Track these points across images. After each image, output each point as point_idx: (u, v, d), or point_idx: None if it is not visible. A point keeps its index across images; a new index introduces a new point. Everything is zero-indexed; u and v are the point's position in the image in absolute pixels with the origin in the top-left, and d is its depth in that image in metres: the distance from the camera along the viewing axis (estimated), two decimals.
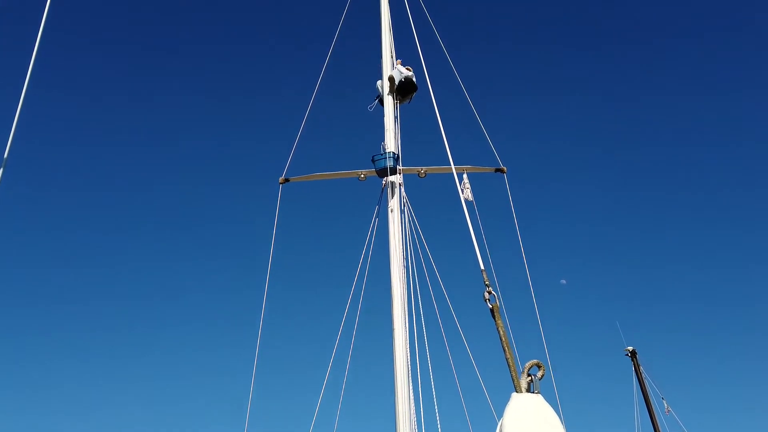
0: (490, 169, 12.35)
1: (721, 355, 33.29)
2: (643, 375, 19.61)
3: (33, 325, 32.77)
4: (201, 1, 41.85)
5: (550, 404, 5.67)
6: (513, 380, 5.58)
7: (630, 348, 20.13)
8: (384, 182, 11.61)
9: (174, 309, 35.21)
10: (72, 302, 33.98)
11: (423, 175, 11.86)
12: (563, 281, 32.53)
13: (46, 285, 34.38)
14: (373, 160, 11.45)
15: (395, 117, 12.12)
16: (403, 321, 10.20)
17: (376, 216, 11.48)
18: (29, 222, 35.40)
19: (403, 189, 11.58)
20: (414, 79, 12.25)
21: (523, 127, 40.65)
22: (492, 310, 5.93)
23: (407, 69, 12.46)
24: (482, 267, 6.47)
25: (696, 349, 33.79)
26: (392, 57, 12.65)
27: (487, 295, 6.07)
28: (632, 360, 19.94)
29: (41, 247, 35.34)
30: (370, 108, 12.45)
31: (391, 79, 12.26)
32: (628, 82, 42.55)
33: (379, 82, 12.52)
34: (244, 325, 30.01)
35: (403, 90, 12.25)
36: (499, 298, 6.01)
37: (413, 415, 9.54)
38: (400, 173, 11.60)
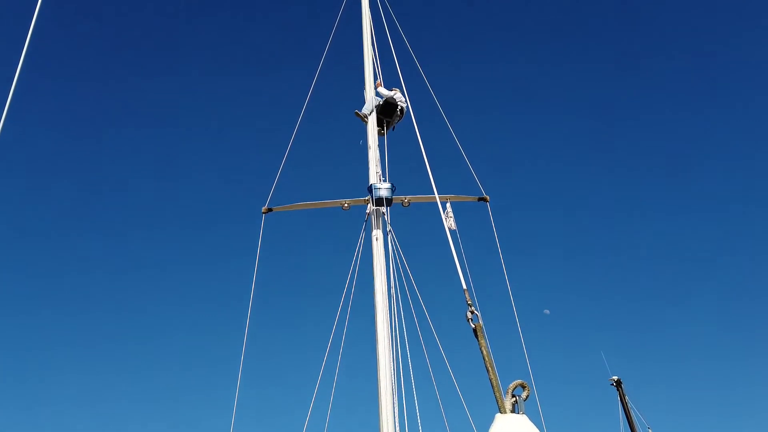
0: (473, 198, 12.40)
1: (707, 383, 33.36)
2: (628, 404, 19.62)
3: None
4: (185, 27, 42.14)
5: (535, 425, 5.66)
6: (497, 401, 5.57)
7: (615, 378, 20.17)
8: (368, 211, 11.63)
9: (154, 340, 34.86)
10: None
11: (406, 204, 11.88)
12: (546, 311, 32.55)
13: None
14: (369, 190, 11.46)
15: (378, 146, 12.21)
16: (388, 348, 10.17)
17: (360, 245, 11.49)
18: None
19: (387, 218, 11.60)
20: (394, 97, 12.37)
21: (506, 157, 41.05)
22: (475, 330, 5.94)
23: (394, 90, 12.58)
24: (464, 287, 6.48)
25: (681, 377, 33.84)
26: (374, 88, 12.75)
27: (469, 314, 6.08)
28: (617, 389, 19.95)
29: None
30: (361, 143, 12.50)
31: (376, 109, 12.39)
32: (613, 110, 43.14)
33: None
34: (226, 351, 29.82)
35: (386, 112, 12.36)
36: (480, 318, 6.02)
37: None
38: (385, 204, 11.63)
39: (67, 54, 39.06)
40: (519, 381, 5.63)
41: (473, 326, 6.00)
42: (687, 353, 35.36)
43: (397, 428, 9.40)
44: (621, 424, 19.49)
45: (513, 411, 5.61)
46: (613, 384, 20.03)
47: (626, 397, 19.68)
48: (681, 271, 39.11)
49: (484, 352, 5.75)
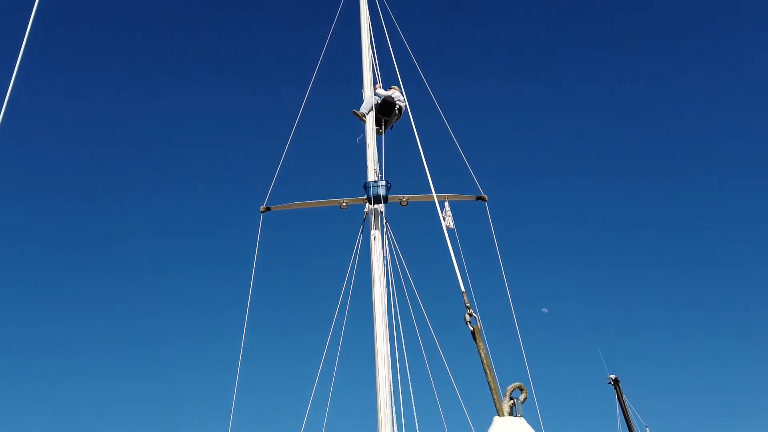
0: (471, 198, 12.36)
1: (704, 382, 33.41)
2: (626, 403, 19.63)
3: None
4: (184, 27, 42.06)
5: (533, 428, 5.64)
6: (495, 403, 5.54)
7: (613, 376, 20.18)
8: (366, 210, 11.61)
9: (152, 340, 34.83)
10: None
11: (405, 203, 11.84)
12: (545, 310, 32.58)
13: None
14: (365, 187, 11.45)
15: (376, 145, 12.20)
16: (386, 348, 10.17)
17: (359, 244, 11.48)
18: None
19: (385, 217, 11.59)
20: (393, 96, 12.39)
21: (505, 156, 41.06)
22: (473, 333, 5.92)
23: (392, 89, 12.58)
24: (463, 289, 6.46)
25: (679, 376, 33.89)
26: (373, 89, 12.72)
27: (467, 317, 6.05)
28: (615, 388, 19.96)
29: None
30: (359, 140, 12.46)
31: (374, 108, 12.39)
32: (613, 108, 43.15)
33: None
34: (224, 351, 29.83)
35: (384, 111, 12.39)
36: (479, 320, 6.00)
37: None
38: (382, 202, 11.61)
39: (64, 56, 39.01)
40: (517, 384, 5.61)
41: (471, 328, 5.98)
42: (685, 352, 35.45)
43: (395, 430, 9.40)
44: (618, 422, 19.52)
45: (511, 414, 5.59)
46: (610, 383, 20.04)
47: (624, 396, 19.71)
48: (679, 271, 39.16)
49: (482, 354, 5.73)
